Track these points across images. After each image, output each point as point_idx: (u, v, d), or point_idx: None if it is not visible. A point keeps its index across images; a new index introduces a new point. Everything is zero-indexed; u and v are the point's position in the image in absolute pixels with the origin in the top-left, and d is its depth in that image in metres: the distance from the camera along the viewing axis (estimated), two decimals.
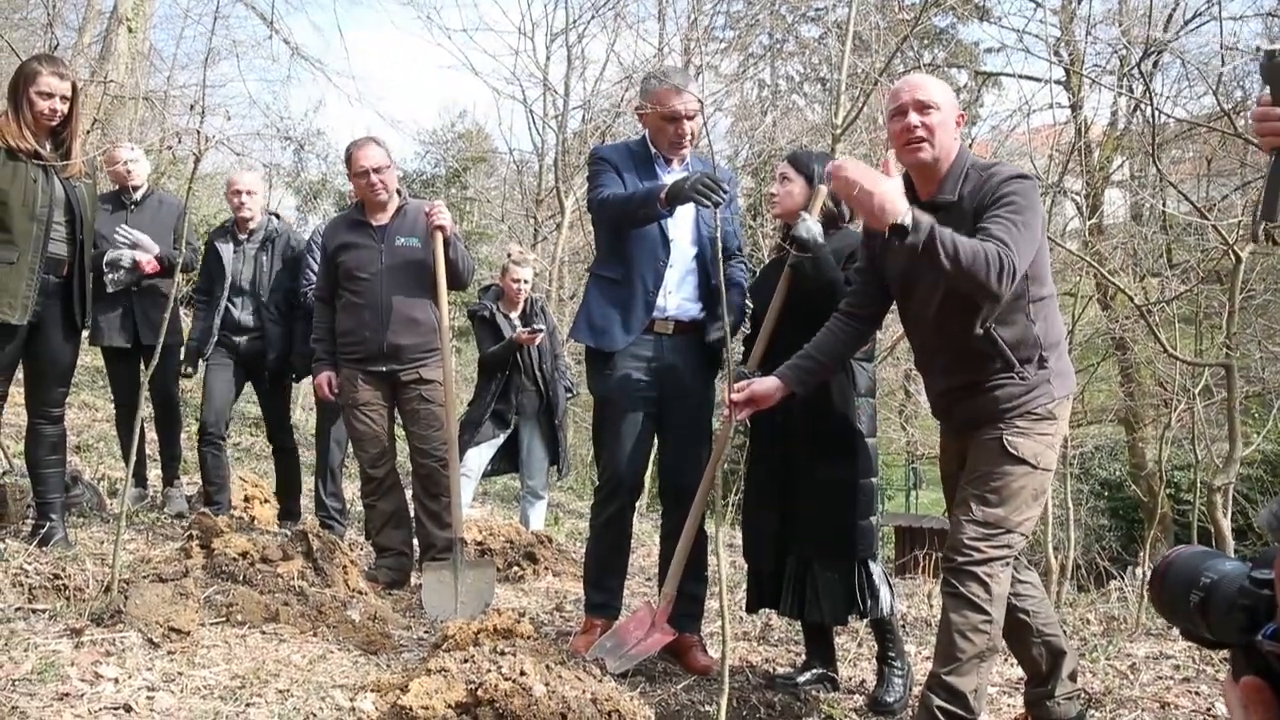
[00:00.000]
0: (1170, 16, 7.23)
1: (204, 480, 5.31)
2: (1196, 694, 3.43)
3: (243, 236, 5.26)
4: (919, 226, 2.38)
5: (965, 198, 2.62)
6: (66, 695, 2.51)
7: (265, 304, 5.20)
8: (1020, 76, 9.91)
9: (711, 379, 3.62)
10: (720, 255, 2.95)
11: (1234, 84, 9.52)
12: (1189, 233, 8.02)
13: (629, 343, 3.43)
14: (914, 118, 2.64)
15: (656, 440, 3.60)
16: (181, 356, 5.33)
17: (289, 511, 5.61)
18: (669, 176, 3.44)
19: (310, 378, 4.77)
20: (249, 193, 5.27)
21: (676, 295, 3.47)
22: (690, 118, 3.42)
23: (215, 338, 5.16)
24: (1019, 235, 2.48)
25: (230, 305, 5.19)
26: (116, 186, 5.37)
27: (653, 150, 3.53)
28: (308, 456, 8.68)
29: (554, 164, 13.23)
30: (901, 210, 2.39)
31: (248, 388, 5.47)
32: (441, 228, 4.23)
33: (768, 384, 2.93)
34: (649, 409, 3.46)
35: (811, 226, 3.11)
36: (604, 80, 13.74)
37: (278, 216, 5.49)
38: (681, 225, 3.49)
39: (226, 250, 5.26)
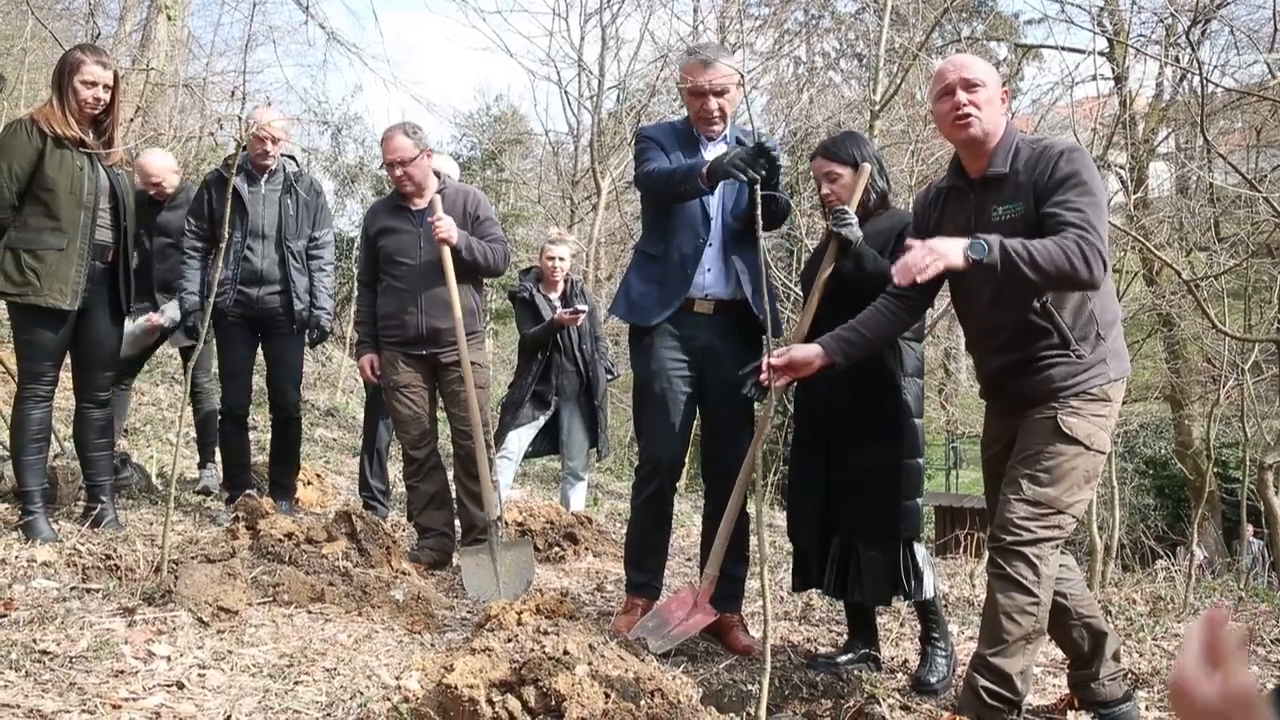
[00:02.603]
0: None
1: (225, 461, 5.03)
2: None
3: (261, 176, 4.84)
4: (989, 246, 2.44)
5: (1019, 170, 2.62)
6: (121, 672, 2.57)
7: (291, 251, 4.80)
8: (1062, 48, 9.73)
9: (754, 358, 3.57)
10: (761, 235, 2.93)
11: None
12: (1238, 205, 7.84)
13: (664, 318, 3.42)
14: (962, 95, 2.66)
15: (698, 420, 3.59)
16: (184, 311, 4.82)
17: (282, 488, 4.99)
18: (710, 152, 3.42)
19: (342, 353, 4.76)
20: (274, 140, 4.80)
21: (714, 272, 3.44)
22: (718, 93, 3.38)
23: (235, 292, 4.72)
24: (1095, 214, 2.50)
25: (249, 252, 4.75)
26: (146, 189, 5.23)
27: (695, 127, 3.51)
28: (350, 440, 8.79)
29: (589, 145, 13.20)
30: (960, 245, 2.46)
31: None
32: (445, 240, 4.20)
33: (808, 351, 2.91)
34: (688, 388, 3.45)
35: (854, 229, 3.10)
36: (638, 60, 13.73)
37: (294, 159, 5.05)
38: (714, 203, 3.45)
39: (242, 186, 4.76)
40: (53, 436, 4.27)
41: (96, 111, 3.90)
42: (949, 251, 2.46)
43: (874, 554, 3.13)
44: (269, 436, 5.24)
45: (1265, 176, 7.58)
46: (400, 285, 4.36)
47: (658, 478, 3.48)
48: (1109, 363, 2.62)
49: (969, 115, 2.65)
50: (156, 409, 7.88)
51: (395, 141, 4.32)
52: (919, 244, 2.52)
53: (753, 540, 3.52)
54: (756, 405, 3.58)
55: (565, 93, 14.02)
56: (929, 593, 3.17)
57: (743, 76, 3.44)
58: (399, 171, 4.30)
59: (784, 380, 2.98)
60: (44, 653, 2.62)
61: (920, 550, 3.17)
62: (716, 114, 3.42)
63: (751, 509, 3.42)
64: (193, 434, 6.15)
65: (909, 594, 3.15)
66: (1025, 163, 2.62)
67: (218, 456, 5.40)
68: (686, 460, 4.09)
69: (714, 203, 3.43)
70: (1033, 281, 2.45)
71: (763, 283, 2.99)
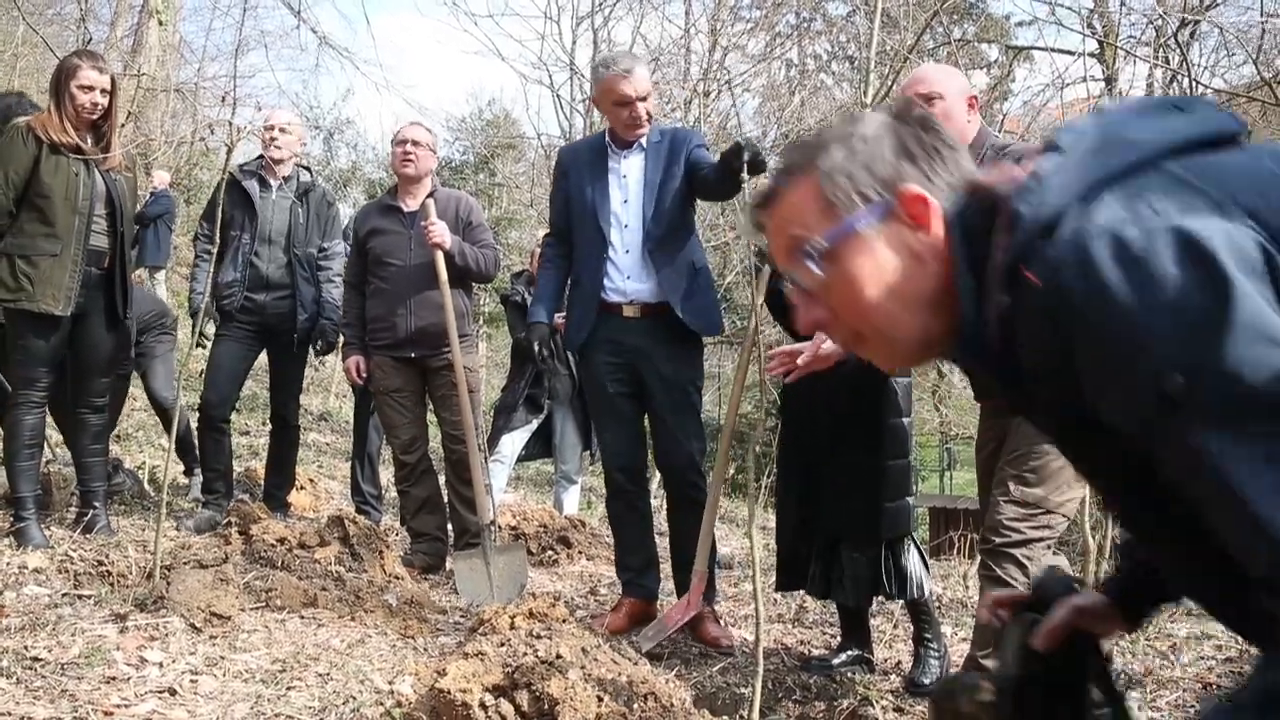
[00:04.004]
0: None
1: (204, 468, 4.84)
2: (1240, 674, 3.39)
3: (273, 182, 4.77)
4: None
5: None
6: (113, 679, 2.56)
7: (299, 259, 4.73)
8: (1053, 50, 9.77)
9: (691, 355, 3.66)
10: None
11: (1274, 52, 9.31)
12: None
13: (582, 339, 3.59)
14: None
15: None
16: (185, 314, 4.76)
17: (275, 499, 4.91)
18: (625, 162, 3.58)
19: (334, 357, 4.70)
20: (282, 130, 4.77)
21: (636, 279, 3.54)
22: (643, 99, 3.49)
23: (244, 293, 4.65)
24: None
25: (255, 257, 4.66)
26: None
27: (608, 140, 3.63)
28: (342, 444, 8.78)
29: None
30: None
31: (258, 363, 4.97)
32: (438, 245, 4.20)
33: (832, 346, 2.90)
34: (625, 389, 3.58)
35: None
36: None
37: (309, 169, 5.01)
38: (632, 210, 3.55)
39: (254, 189, 4.70)
40: (46, 443, 4.27)
41: (94, 117, 3.90)
42: None
43: (855, 554, 3.14)
44: (262, 441, 5.21)
45: None
46: (388, 287, 4.35)
47: (613, 480, 3.70)
48: None
49: None
50: (149, 414, 7.85)
51: (413, 126, 4.47)
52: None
53: (745, 542, 3.55)
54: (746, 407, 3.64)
55: (557, 96, 13.97)
56: (913, 593, 3.17)
57: (732, 76, 3.54)
58: (408, 148, 4.35)
59: (798, 373, 2.95)
60: (35, 659, 2.61)
61: (907, 550, 3.18)
62: (645, 118, 3.53)
63: (744, 510, 3.46)
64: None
65: (889, 594, 3.17)
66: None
67: None
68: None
69: (626, 212, 3.55)
70: None
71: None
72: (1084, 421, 0.96)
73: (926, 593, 3.23)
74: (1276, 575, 0.85)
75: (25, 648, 2.67)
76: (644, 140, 3.59)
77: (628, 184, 3.56)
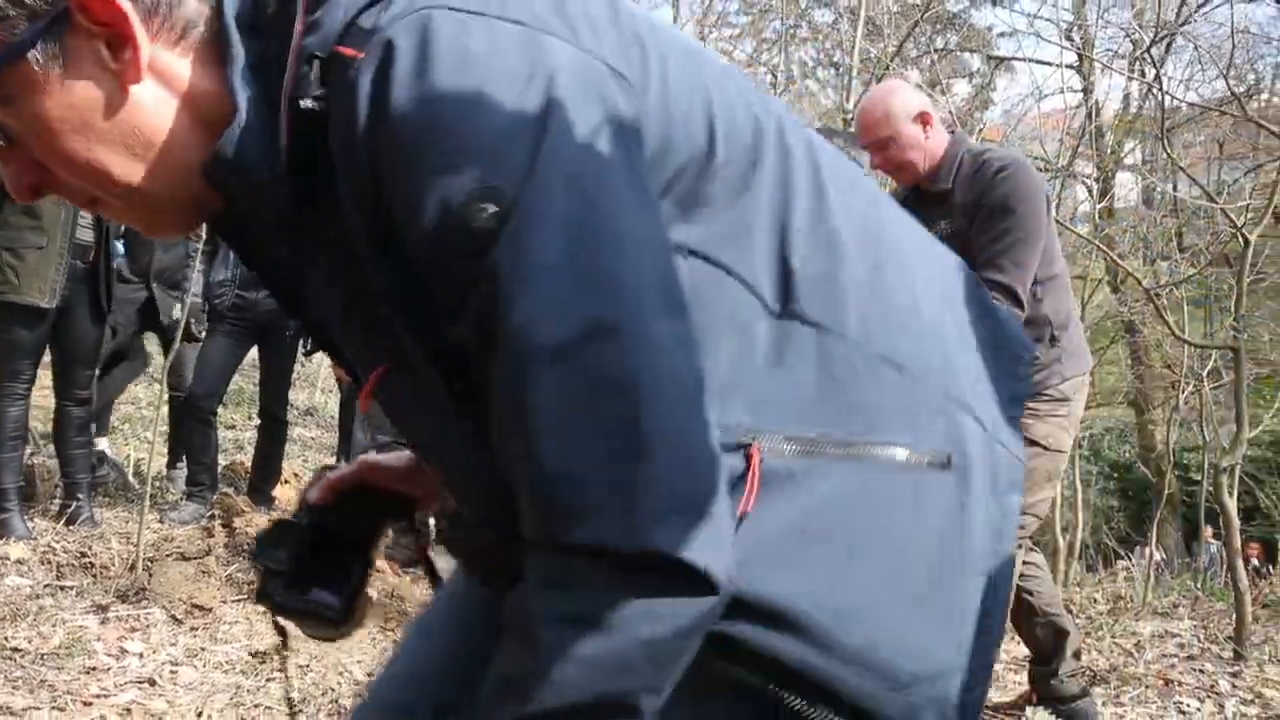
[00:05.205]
0: (1183, 0, 7.21)
1: (189, 461, 4.82)
2: (1200, 671, 3.48)
3: None
4: None
5: (957, 186, 2.68)
6: (93, 669, 2.60)
7: None
8: (1032, 61, 9.90)
9: None
10: None
11: (1245, 68, 9.49)
12: (1199, 216, 8.02)
13: None
14: (875, 159, 2.78)
15: None
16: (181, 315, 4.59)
17: (261, 493, 4.84)
18: None
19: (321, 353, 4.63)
20: None
21: None
22: None
23: (235, 292, 4.62)
24: (1017, 254, 2.52)
25: None
26: None
27: None
28: (329, 439, 8.78)
29: None
30: None
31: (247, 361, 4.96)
32: None
33: None
34: None
35: None
36: None
37: None
38: None
39: None
40: (30, 434, 4.27)
41: None
42: None
43: None
44: (247, 435, 5.21)
45: (1225, 189, 7.77)
46: None
47: None
48: (1064, 361, 2.69)
49: (893, 172, 2.80)
50: (135, 407, 7.84)
51: None
52: None
53: None
54: None
55: None
56: None
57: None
58: None
59: None
60: (15, 650, 2.64)
61: None
62: None
63: None
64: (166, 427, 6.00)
65: None
66: (963, 178, 2.68)
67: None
68: None
69: None
70: None
71: None
72: (384, 260, 0.73)
73: None
74: (543, 508, 0.69)
75: (5, 638, 2.70)
76: None
77: None
